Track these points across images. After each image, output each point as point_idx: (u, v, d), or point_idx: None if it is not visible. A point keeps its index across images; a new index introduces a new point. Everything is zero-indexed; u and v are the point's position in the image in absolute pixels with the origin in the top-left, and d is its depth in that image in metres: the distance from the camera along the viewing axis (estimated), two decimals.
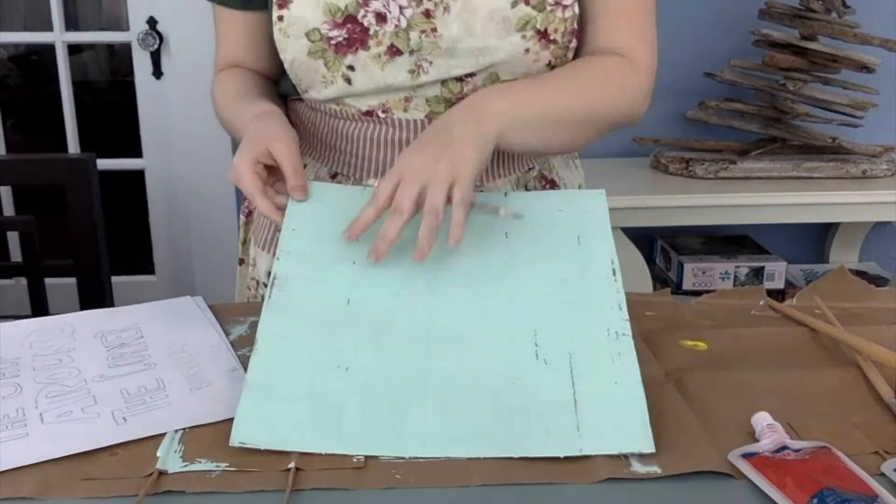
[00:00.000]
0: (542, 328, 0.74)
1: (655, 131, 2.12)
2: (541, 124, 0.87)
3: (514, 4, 0.89)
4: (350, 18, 0.89)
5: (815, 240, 2.33)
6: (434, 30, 0.89)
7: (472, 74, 0.91)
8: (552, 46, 0.91)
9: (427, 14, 0.89)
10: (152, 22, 2.16)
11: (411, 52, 0.90)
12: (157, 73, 2.21)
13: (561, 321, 0.75)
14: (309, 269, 0.79)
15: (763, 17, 1.99)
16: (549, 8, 0.89)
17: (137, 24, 2.18)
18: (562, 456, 0.63)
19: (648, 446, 0.64)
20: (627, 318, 0.75)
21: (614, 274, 0.79)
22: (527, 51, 0.90)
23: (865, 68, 1.90)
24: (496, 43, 0.89)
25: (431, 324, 0.74)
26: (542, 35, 0.90)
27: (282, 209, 0.84)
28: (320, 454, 0.63)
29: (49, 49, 2.21)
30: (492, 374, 0.70)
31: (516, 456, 0.63)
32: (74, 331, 0.84)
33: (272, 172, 0.86)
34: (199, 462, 0.63)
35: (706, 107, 2.01)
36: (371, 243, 0.79)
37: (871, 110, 1.95)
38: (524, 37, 0.90)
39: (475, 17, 0.89)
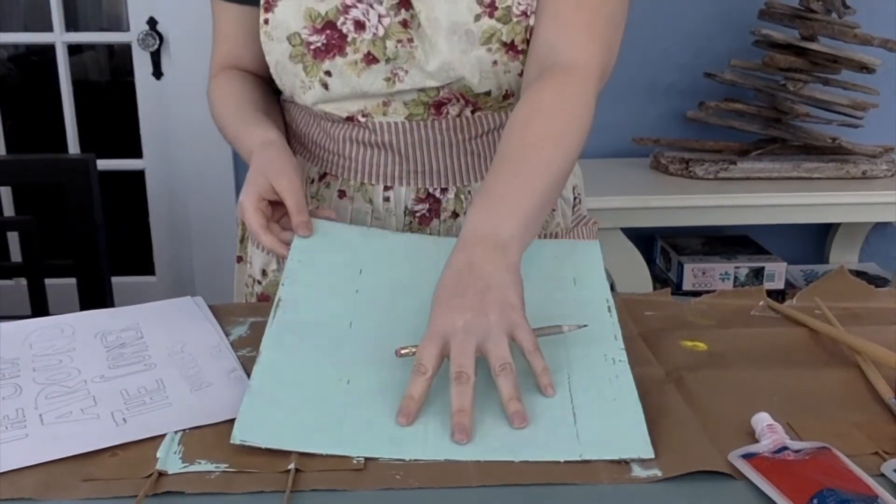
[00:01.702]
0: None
1: (655, 131, 2.13)
2: (542, 209, 0.79)
3: (477, 18, 0.88)
4: (329, 24, 0.89)
5: (815, 240, 2.33)
6: (410, 40, 0.89)
7: (448, 83, 0.91)
8: (521, 56, 0.90)
9: (404, 24, 0.89)
10: (152, 22, 2.16)
11: (387, 61, 0.90)
12: (157, 73, 2.21)
13: (558, 349, 0.76)
14: (313, 295, 0.81)
15: (763, 17, 1.99)
16: (515, 19, 0.89)
17: (137, 25, 2.18)
18: (562, 460, 0.63)
19: (648, 452, 0.64)
20: (623, 347, 0.76)
21: (609, 311, 0.81)
22: (494, 63, 0.90)
23: (865, 68, 1.90)
24: (460, 58, 0.89)
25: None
26: (510, 47, 0.90)
27: (287, 244, 0.85)
28: (320, 456, 0.63)
29: (49, 49, 2.21)
30: (491, 391, 0.70)
31: (517, 460, 0.63)
32: (74, 331, 0.84)
33: (278, 207, 0.87)
34: (199, 463, 0.63)
35: (706, 107, 2.01)
36: (374, 274, 0.82)
37: (871, 110, 1.95)
38: (490, 49, 0.89)
39: (439, 32, 0.88)
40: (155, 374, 0.76)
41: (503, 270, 0.72)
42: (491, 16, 0.88)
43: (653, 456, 0.63)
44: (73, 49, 2.35)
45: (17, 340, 0.83)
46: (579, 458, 0.63)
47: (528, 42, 0.90)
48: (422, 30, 0.89)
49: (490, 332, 0.69)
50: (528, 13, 0.89)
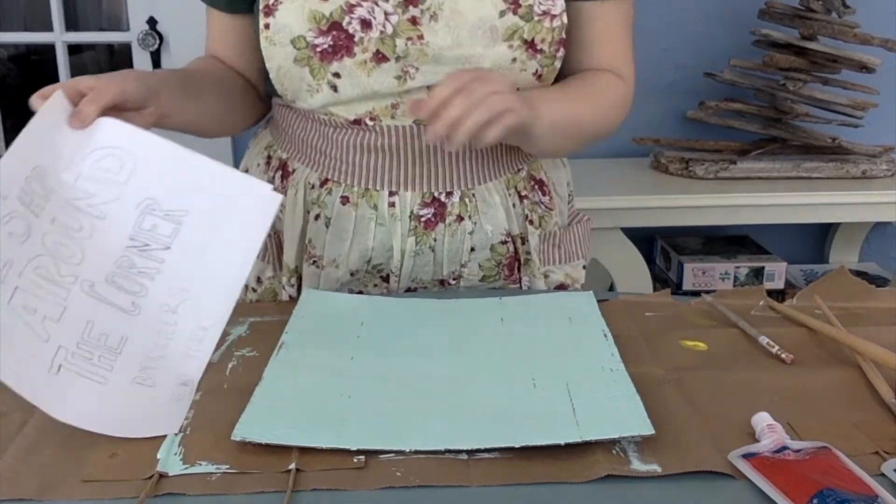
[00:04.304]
0: (539, 370, 0.76)
1: (655, 131, 2.13)
2: (557, 134, 0.93)
3: (502, 14, 0.89)
4: (335, 25, 0.89)
5: (815, 240, 2.33)
6: (420, 37, 0.89)
7: None
8: (539, 56, 0.91)
9: (413, 21, 0.89)
10: (152, 22, 2.16)
11: (397, 59, 0.90)
12: None
13: (557, 364, 0.77)
14: (315, 339, 0.82)
15: (763, 17, 1.99)
16: (536, 18, 0.89)
17: (137, 24, 2.18)
18: (563, 443, 0.63)
19: (647, 429, 0.65)
20: (620, 360, 0.77)
21: (606, 337, 0.82)
22: (514, 60, 0.90)
23: (865, 68, 1.90)
24: (482, 52, 0.89)
25: (432, 370, 0.76)
26: (529, 45, 0.90)
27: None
28: (321, 455, 0.63)
29: (49, 49, 2.21)
30: (491, 397, 0.72)
31: (517, 445, 0.64)
32: (129, 178, 0.76)
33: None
34: (200, 464, 0.63)
35: (706, 107, 2.01)
36: (376, 325, 0.85)
37: (871, 110, 1.95)
38: (511, 46, 0.90)
39: (463, 26, 0.89)
40: (129, 323, 0.72)
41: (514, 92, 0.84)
42: (515, 12, 0.89)
43: (652, 432, 0.64)
44: (73, 49, 2.35)
45: (81, 149, 0.76)
46: (580, 440, 0.64)
47: (547, 43, 0.91)
48: (437, 24, 0.89)
49: (506, 101, 0.81)
50: (551, 14, 0.90)
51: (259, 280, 1.06)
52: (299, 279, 1.02)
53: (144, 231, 0.76)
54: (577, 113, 0.94)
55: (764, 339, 0.82)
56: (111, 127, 0.78)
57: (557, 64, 0.94)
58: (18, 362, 0.64)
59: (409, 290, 1.00)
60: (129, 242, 0.75)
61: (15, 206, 0.69)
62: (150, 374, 0.72)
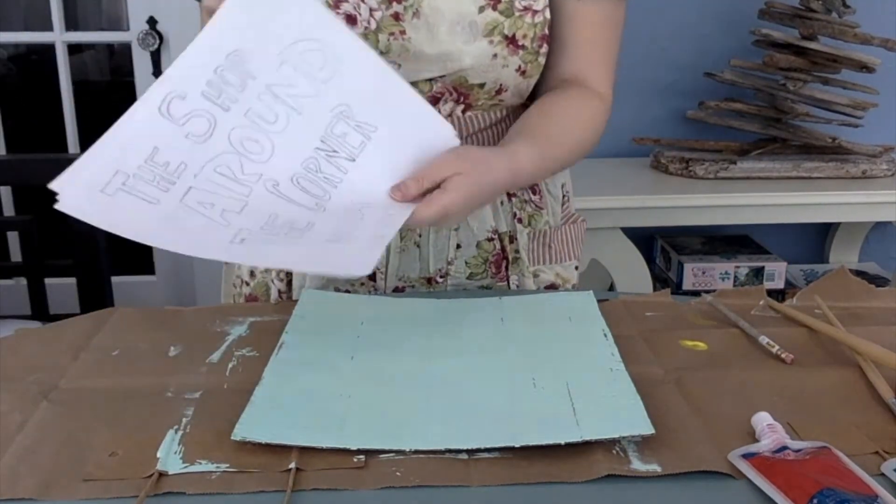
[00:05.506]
0: (539, 370, 0.76)
1: (655, 131, 2.13)
2: (535, 179, 0.99)
3: (481, 10, 0.89)
4: None
5: (815, 240, 2.33)
6: (403, 32, 0.90)
7: (442, 76, 0.92)
8: (521, 52, 0.92)
9: (396, 17, 0.90)
10: (152, 22, 2.17)
11: (380, 54, 0.90)
12: (157, 73, 2.22)
13: (557, 364, 0.77)
14: (315, 339, 0.82)
15: (763, 17, 1.99)
16: (517, 13, 0.90)
17: (137, 24, 2.18)
18: (562, 443, 0.63)
19: (647, 429, 0.65)
20: (621, 360, 0.77)
21: (606, 337, 0.82)
22: (494, 56, 0.91)
23: (865, 68, 1.90)
24: (462, 48, 0.90)
25: (433, 370, 0.76)
26: (510, 40, 0.91)
27: None
28: (321, 455, 0.63)
29: (49, 49, 2.21)
30: (491, 397, 0.72)
31: (517, 445, 0.64)
32: (331, 78, 0.74)
33: None
34: (200, 463, 0.63)
35: (706, 107, 2.01)
36: (376, 326, 0.84)
37: (871, 110, 1.95)
38: (491, 42, 0.90)
39: (442, 22, 0.89)
40: (313, 217, 0.71)
41: (499, 193, 0.90)
42: (494, 8, 0.89)
43: (652, 432, 0.64)
44: (73, 49, 2.35)
45: (289, 30, 0.74)
46: (580, 440, 0.64)
47: (529, 38, 0.91)
48: (419, 20, 0.89)
49: (452, 217, 0.79)
50: (533, 9, 0.90)
51: (252, 274, 1.06)
52: (289, 274, 1.02)
53: (335, 136, 0.76)
54: (552, 164, 0.94)
55: (764, 339, 0.82)
56: (318, 15, 0.76)
57: (541, 60, 0.94)
58: (196, 241, 0.63)
59: (396, 289, 1.00)
60: (318, 144, 0.75)
61: (197, 103, 0.68)
62: (342, 236, 0.70)
